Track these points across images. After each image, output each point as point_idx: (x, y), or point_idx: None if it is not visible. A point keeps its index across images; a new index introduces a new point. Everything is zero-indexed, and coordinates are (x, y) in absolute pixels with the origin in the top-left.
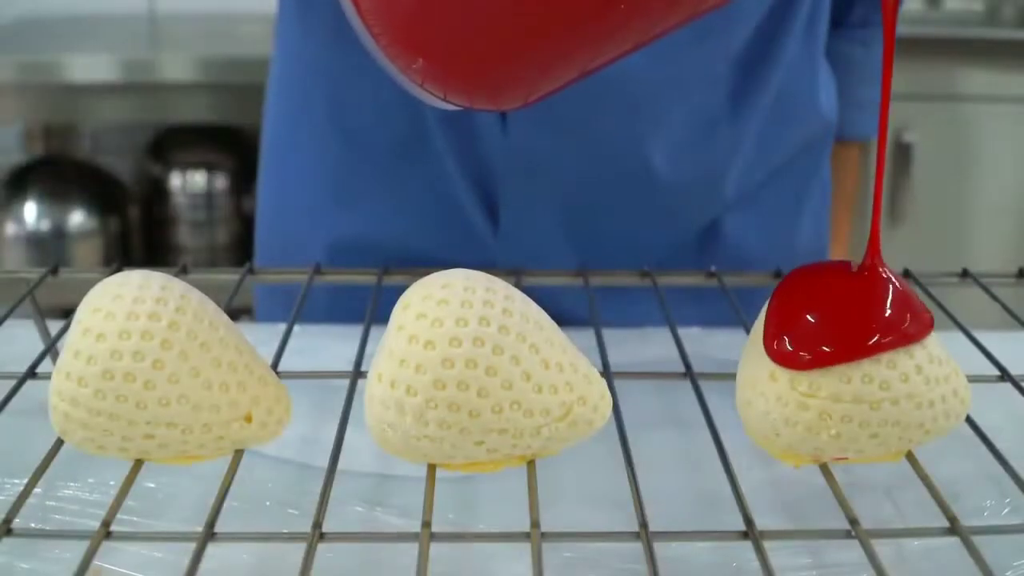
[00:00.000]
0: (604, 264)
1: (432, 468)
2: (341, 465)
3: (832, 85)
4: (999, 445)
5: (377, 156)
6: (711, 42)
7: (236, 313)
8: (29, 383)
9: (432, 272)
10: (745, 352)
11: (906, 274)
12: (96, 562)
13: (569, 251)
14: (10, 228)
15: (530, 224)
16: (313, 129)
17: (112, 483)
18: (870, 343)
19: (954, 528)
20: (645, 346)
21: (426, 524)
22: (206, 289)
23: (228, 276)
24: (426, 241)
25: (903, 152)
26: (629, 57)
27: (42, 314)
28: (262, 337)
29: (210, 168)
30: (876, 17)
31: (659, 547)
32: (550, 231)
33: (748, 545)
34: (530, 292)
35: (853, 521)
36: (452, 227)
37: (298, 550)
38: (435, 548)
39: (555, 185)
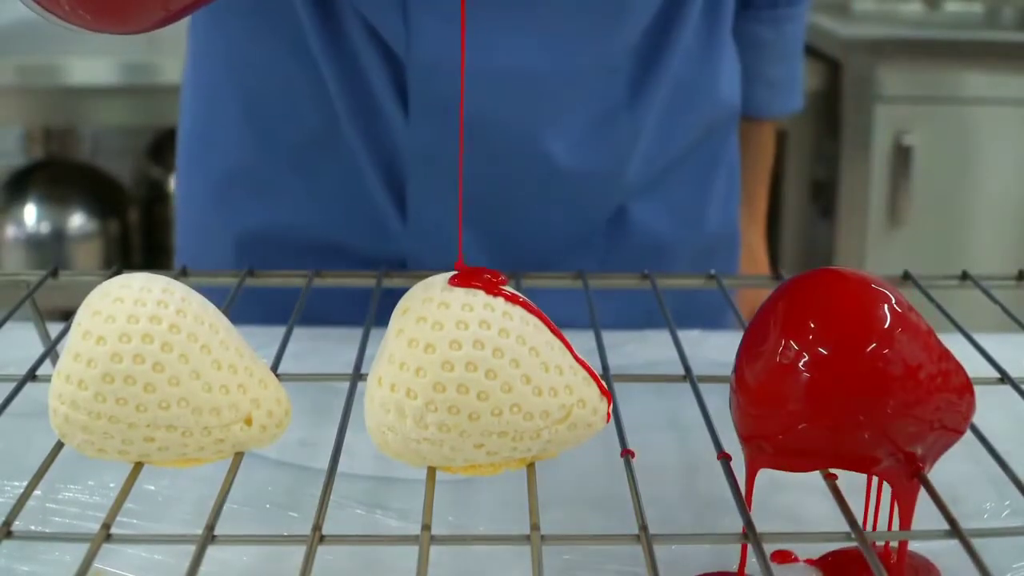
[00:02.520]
0: (511, 253)
1: (432, 471)
2: (341, 468)
3: (736, 69)
4: (999, 448)
5: (289, 149)
6: (608, 34)
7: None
8: (29, 385)
9: (430, 275)
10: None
11: (906, 276)
12: (96, 564)
13: (476, 241)
14: (10, 230)
15: (436, 215)
16: (226, 125)
17: (112, 485)
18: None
19: (954, 530)
20: (645, 348)
21: (426, 527)
22: (205, 291)
23: (228, 278)
24: (338, 232)
25: (903, 154)
26: (525, 52)
27: (42, 316)
28: (262, 340)
29: None
30: None
31: (659, 549)
32: (456, 222)
33: (748, 547)
34: (530, 294)
35: (853, 523)
36: (363, 218)
37: (298, 552)
38: (435, 551)
39: (457, 177)
